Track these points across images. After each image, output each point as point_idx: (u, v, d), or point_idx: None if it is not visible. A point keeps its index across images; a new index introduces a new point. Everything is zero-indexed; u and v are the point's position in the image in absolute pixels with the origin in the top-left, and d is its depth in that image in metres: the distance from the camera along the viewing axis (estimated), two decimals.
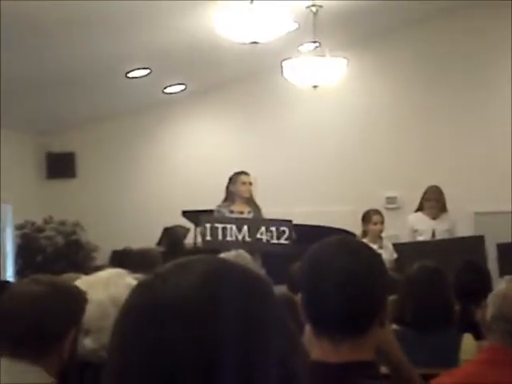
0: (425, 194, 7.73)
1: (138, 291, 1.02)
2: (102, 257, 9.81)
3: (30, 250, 10.17)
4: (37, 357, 2.20)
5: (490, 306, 2.45)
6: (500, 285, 2.54)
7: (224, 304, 0.97)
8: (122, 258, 6.25)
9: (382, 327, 1.80)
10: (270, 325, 1.00)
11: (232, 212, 7.07)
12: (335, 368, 1.73)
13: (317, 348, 1.76)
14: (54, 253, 10.19)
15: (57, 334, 2.24)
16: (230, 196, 7.17)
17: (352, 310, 1.73)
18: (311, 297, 1.79)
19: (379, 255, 1.94)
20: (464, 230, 8.20)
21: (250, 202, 7.16)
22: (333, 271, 1.75)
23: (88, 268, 7.92)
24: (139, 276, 3.73)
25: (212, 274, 1.00)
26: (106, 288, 2.50)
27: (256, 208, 7.17)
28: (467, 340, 3.41)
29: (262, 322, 0.99)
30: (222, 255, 4.00)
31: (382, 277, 1.82)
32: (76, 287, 2.43)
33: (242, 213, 7.09)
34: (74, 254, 10.22)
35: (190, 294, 0.97)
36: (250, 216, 7.07)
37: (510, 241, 7.49)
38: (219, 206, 7.16)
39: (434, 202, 7.61)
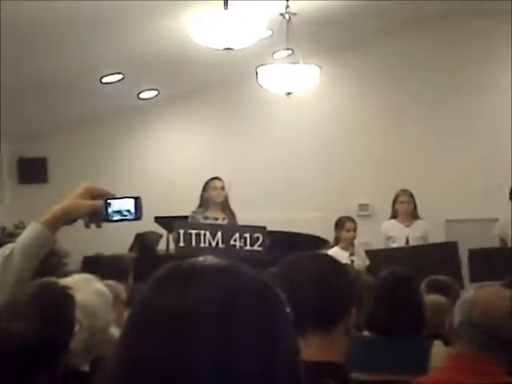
0: (396, 196, 7.78)
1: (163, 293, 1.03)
2: (74, 263, 9.74)
3: None
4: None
5: (458, 313, 2.46)
6: (468, 292, 2.56)
7: (243, 317, 1.00)
8: (94, 264, 6.20)
9: (347, 335, 1.89)
10: (283, 335, 1.05)
11: (207, 218, 7.05)
12: (305, 366, 1.76)
13: None
14: None
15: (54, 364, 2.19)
16: (204, 202, 7.16)
17: (319, 303, 1.89)
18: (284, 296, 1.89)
19: (348, 272, 2.12)
20: (435, 238, 8.25)
21: (225, 208, 7.15)
22: (305, 273, 1.94)
23: (59, 274, 7.85)
24: (111, 282, 3.71)
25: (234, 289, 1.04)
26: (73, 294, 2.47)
27: (231, 214, 7.16)
28: (437, 347, 3.42)
29: (276, 335, 1.03)
30: None
31: (349, 284, 1.98)
32: (62, 305, 2.33)
33: (216, 219, 7.07)
34: (46, 260, 10.12)
35: (212, 307, 1.00)
36: (225, 222, 7.05)
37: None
38: (194, 212, 7.14)
39: (406, 196, 7.67)
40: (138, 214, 2.05)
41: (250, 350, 0.99)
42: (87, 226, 2.06)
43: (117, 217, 2.04)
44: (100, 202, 2.00)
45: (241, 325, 0.99)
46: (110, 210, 2.02)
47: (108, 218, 2.03)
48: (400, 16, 9.82)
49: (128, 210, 2.04)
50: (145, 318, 1.02)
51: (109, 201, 2.02)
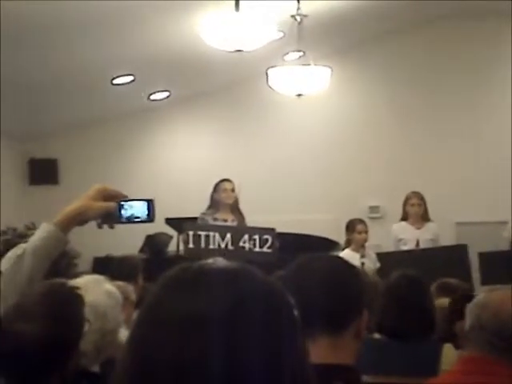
0: (407, 199, 7.76)
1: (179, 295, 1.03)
2: (84, 264, 9.77)
3: None
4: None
5: (469, 316, 2.45)
6: (479, 295, 2.55)
7: (252, 319, 1.01)
8: (104, 265, 6.22)
9: (358, 338, 1.87)
10: (290, 338, 1.04)
11: (216, 220, 7.06)
12: (314, 369, 1.76)
13: None
14: None
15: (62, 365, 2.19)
16: (214, 204, 7.17)
17: (330, 305, 1.88)
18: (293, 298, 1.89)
19: (359, 274, 2.09)
20: (446, 240, 8.23)
21: (235, 210, 7.15)
22: (315, 274, 1.93)
23: (70, 275, 7.86)
24: (121, 283, 3.72)
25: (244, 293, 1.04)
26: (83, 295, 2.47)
27: (240, 216, 7.16)
28: (448, 350, 3.41)
29: (283, 337, 1.03)
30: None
31: (360, 286, 1.97)
32: (71, 305, 2.33)
33: (226, 221, 7.08)
34: (56, 261, 10.15)
35: (222, 312, 1.00)
36: (234, 224, 7.06)
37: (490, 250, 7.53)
38: (203, 214, 7.15)
39: (417, 198, 7.65)
40: (150, 216, 2.06)
41: (258, 353, 0.99)
42: (100, 227, 2.07)
43: (130, 218, 2.05)
44: (113, 204, 2.01)
45: (249, 327, 1.00)
46: (122, 212, 2.04)
47: (121, 220, 2.04)
48: (409, 16, 9.80)
49: (141, 213, 2.06)
50: (154, 319, 1.02)
51: (122, 203, 2.03)
